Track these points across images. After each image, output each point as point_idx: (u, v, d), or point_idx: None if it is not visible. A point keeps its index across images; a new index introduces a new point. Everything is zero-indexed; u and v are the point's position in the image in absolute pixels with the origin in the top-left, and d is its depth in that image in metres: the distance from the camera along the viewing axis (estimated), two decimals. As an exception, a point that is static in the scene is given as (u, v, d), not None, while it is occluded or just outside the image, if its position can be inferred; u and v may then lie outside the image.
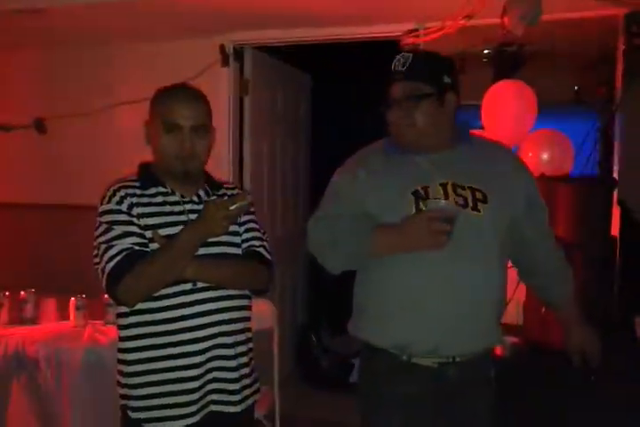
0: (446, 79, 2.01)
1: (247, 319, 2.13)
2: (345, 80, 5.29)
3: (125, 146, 3.92)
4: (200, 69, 3.89)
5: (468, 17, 3.11)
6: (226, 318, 2.01)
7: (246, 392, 2.09)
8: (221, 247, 2.03)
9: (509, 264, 2.19)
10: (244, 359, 2.09)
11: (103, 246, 1.93)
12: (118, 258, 1.89)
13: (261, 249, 2.13)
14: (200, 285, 1.97)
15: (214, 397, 2.03)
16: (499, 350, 2.71)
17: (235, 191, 2.20)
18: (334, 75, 5.30)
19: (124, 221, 1.95)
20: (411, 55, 2.01)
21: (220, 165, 3.97)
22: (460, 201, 1.98)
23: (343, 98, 5.43)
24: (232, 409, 2.04)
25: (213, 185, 2.15)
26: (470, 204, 1.98)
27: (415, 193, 1.97)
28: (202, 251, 1.95)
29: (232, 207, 1.86)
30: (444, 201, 1.94)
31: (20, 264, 4.31)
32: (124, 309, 1.99)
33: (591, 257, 2.89)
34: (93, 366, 2.98)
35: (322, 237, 2.06)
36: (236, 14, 3.50)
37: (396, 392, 2.05)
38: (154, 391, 1.97)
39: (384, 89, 2.07)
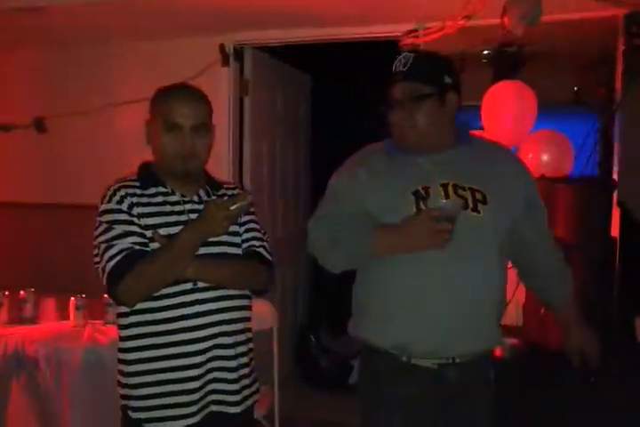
0: (447, 79, 2.01)
1: (247, 320, 2.13)
2: (345, 80, 5.29)
3: (125, 145, 3.93)
4: (200, 69, 3.88)
5: (468, 17, 3.12)
6: (226, 318, 2.01)
7: (246, 393, 2.09)
8: (222, 247, 2.03)
9: (509, 265, 2.19)
10: (244, 360, 2.09)
11: (103, 246, 1.93)
12: (118, 257, 1.89)
13: (261, 249, 2.12)
14: (200, 284, 1.97)
15: (214, 397, 2.02)
16: (498, 352, 2.71)
17: (235, 191, 2.20)
18: (334, 75, 5.29)
19: (124, 220, 1.94)
20: (412, 56, 2.01)
21: (220, 166, 3.97)
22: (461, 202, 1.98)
23: (343, 98, 5.43)
24: (232, 410, 2.04)
25: (214, 185, 2.15)
26: (470, 205, 1.98)
27: (415, 193, 1.97)
28: (202, 250, 1.95)
29: (232, 207, 1.86)
30: (444, 200, 1.94)
31: (19, 264, 4.30)
32: (124, 308, 1.99)
33: (591, 258, 2.89)
34: (93, 366, 2.98)
35: (322, 237, 2.06)
36: (236, 14, 3.50)
37: (397, 393, 2.05)
38: (154, 391, 1.97)
39: (384, 89, 2.07)
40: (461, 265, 1.97)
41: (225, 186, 2.19)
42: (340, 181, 2.12)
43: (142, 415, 1.99)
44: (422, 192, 1.97)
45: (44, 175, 4.46)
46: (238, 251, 2.08)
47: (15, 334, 3.16)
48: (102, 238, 1.94)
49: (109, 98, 4.15)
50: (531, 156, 3.18)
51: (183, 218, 2.00)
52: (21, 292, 3.38)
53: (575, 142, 3.27)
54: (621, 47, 3.26)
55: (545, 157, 3.18)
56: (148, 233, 1.94)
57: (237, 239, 2.09)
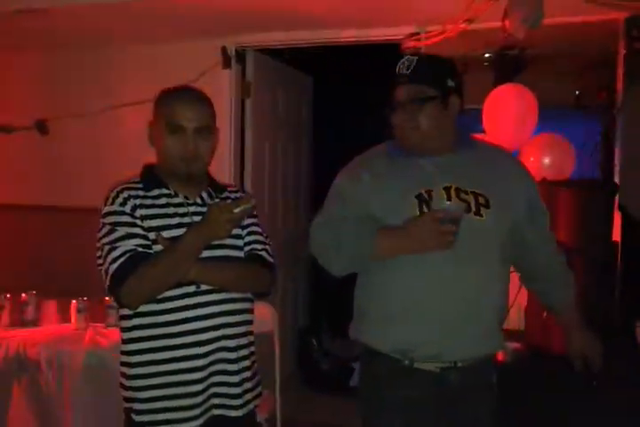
0: (450, 82, 2.02)
1: (249, 323, 2.12)
2: (346, 83, 5.29)
3: (127, 148, 3.93)
4: (202, 72, 3.88)
5: (470, 21, 3.12)
6: (229, 321, 2.01)
7: (248, 396, 2.08)
8: (225, 250, 2.03)
9: (511, 269, 2.19)
10: (247, 363, 2.08)
11: (106, 248, 1.93)
12: (122, 260, 1.89)
13: (264, 253, 2.12)
14: (203, 287, 1.96)
15: (217, 400, 2.02)
16: (500, 356, 2.72)
17: (238, 194, 2.20)
18: (336, 77, 5.30)
19: (127, 222, 1.94)
20: (415, 58, 2.02)
21: (222, 168, 3.97)
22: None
23: (345, 100, 5.44)
24: (234, 413, 2.03)
25: (217, 188, 2.15)
26: (473, 208, 1.98)
27: (419, 197, 1.97)
28: (205, 253, 1.95)
29: (236, 210, 1.86)
30: (448, 202, 1.94)
31: (21, 266, 4.30)
32: (126, 311, 1.99)
33: (592, 261, 2.89)
34: (94, 369, 2.98)
35: (325, 240, 2.06)
36: (237, 16, 3.50)
37: (398, 396, 2.04)
38: (157, 394, 1.96)
39: (386, 92, 2.07)
40: (463, 269, 1.97)
41: (228, 189, 2.19)
42: (344, 182, 2.12)
43: (146, 418, 1.98)
44: (425, 195, 1.97)
45: (45, 177, 4.46)
46: (240, 254, 2.08)
47: (17, 336, 3.16)
48: (105, 240, 1.94)
49: (111, 100, 4.14)
50: (532, 159, 3.18)
51: (186, 220, 2.00)
52: (23, 294, 3.38)
53: (576, 146, 3.27)
54: (622, 50, 3.27)
55: (546, 161, 3.19)
56: (152, 235, 1.94)
57: (240, 242, 2.09)
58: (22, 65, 4.47)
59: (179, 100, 2.01)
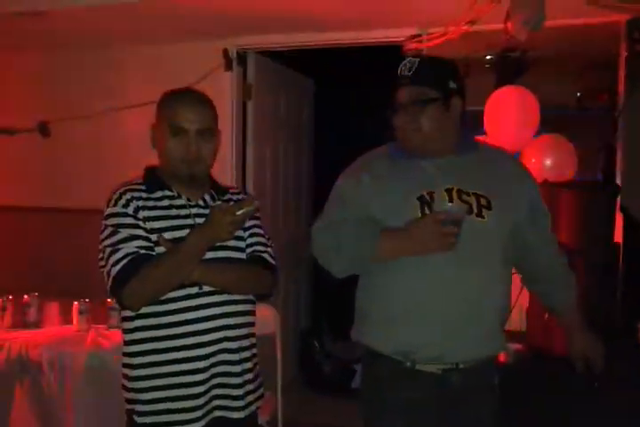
0: (452, 84, 2.02)
1: (251, 325, 2.13)
2: (347, 85, 5.29)
3: (128, 149, 3.94)
4: (203, 73, 3.89)
5: (471, 22, 3.12)
6: (231, 322, 2.01)
7: (250, 398, 2.09)
8: (227, 252, 2.03)
9: (513, 270, 2.19)
10: (249, 365, 2.08)
11: (109, 250, 1.93)
12: (124, 262, 1.89)
13: (266, 254, 2.13)
14: (205, 289, 1.97)
15: (218, 402, 2.02)
16: (502, 357, 2.71)
17: (240, 196, 2.20)
18: (337, 79, 5.30)
19: (129, 224, 1.95)
20: (417, 60, 2.02)
21: (224, 170, 3.96)
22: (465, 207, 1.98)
23: (346, 102, 5.43)
24: (236, 415, 2.04)
25: (219, 190, 2.16)
26: (475, 210, 1.98)
27: (420, 198, 1.97)
28: (208, 255, 1.95)
29: (239, 213, 1.86)
30: (450, 203, 1.95)
31: (23, 268, 4.30)
32: (129, 312, 1.99)
33: (594, 263, 2.89)
34: (96, 371, 2.98)
35: (326, 242, 2.06)
36: (238, 18, 3.50)
37: (400, 397, 2.04)
38: (159, 396, 1.97)
39: (387, 94, 2.07)
40: (465, 270, 1.97)
41: (230, 191, 2.20)
42: (345, 184, 2.12)
43: (148, 420, 1.99)
44: (427, 197, 1.97)
45: (46, 179, 4.46)
46: (242, 255, 2.08)
47: (19, 338, 3.16)
48: (108, 242, 1.94)
49: (112, 102, 4.15)
50: (533, 160, 3.18)
51: (189, 222, 2.01)
52: (25, 296, 3.38)
53: (578, 147, 3.27)
54: (623, 53, 3.27)
55: (548, 162, 3.18)
56: (154, 237, 1.94)
57: (242, 244, 2.09)
58: (23, 66, 4.48)
59: (181, 102, 2.02)
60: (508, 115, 3.20)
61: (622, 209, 3.13)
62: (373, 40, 3.87)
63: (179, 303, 1.95)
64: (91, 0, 3.24)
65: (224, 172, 3.96)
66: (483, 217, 1.98)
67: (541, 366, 2.83)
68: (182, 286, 1.94)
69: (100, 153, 4.30)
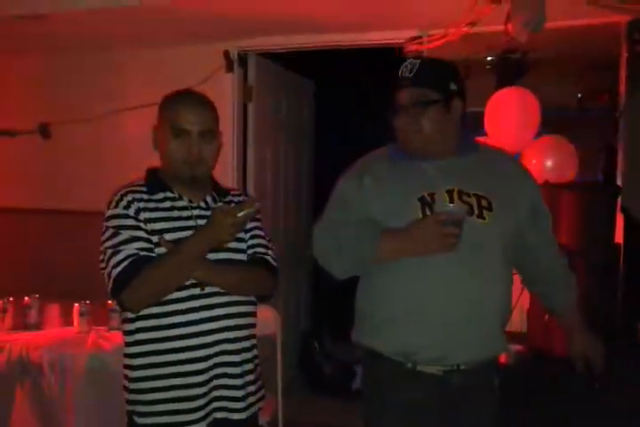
0: (453, 86, 2.02)
1: (253, 326, 2.13)
2: (348, 86, 5.30)
3: (129, 151, 3.94)
4: (203, 75, 3.89)
5: (472, 24, 3.12)
6: (232, 324, 2.01)
7: (251, 399, 2.08)
8: (228, 253, 2.03)
9: (513, 271, 2.19)
10: (250, 366, 2.08)
11: (109, 251, 1.93)
12: (124, 264, 1.89)
13: (267, 256, 2.13)
14: (207, 290, 1.97)
15: (219, 404, 2.02)
16: (503, 358, 2.71)
17: (241, 198, 2.20)
18: (337, 81, 5.31)
19: (130, 225, 1.95)
20: (418, 62, 2.02)
21: (224, 171, 3.96)
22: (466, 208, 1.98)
23: (346, 104, 5.44)
24: (236, 416, 2.03)
25: (220, 191, 2.16)
26: (476, 211, 1.98)
27: (421, 199, 1.98)
28: (210, 256, 1.96)
29: (240, 215, 1.86)
30: (450, 204, 1.95)
31: (23, 270, 4.30)
32: (130, 314, 1.99)
33: (594, 264, 2.89)
34: (97, 372, 2.97)
35: (327, 243, 2.06)
36: (238, 21, 3.51)
37: (400, 398, 2.04)
38: (160, 397, 1.97)
39: (387, 95, 2.07)
40: (466, 271, 1.97)
41: (231, 193, 2.20)
42: (345, 186, 2.12)
43: (149, 421, 1.99)
44: (428, 198, 1.97)
45: (47, 180, 4.47)
46: (243, 257, 2.09)
47: (19, 340, 3.16)
48: (109, 244, 1.94)
49: (112, 105, 4.15)
50: (534, 162, 3.18)
51: (191, 223, 2.01)
52: (25, 298, 3.38)
53: (579, 149, 3.27)
54: (624, 54, 3.27)
55: (548, 163, 3.18)
56: (155, 238, 1.95)
57: (243, 245, 2.10)
58: (23, 69, 4.48)
59: (183, 103, 2.02)
60: (509, 116, 3.20)
61: (623, 210, 3.13)
62: (373, 42, 3.87)
63: (180, 304, 1.95)
64: (91, 3, 3.25)
65: (225, 173, 3.96)
66: (483, 218, 1.98)
67: (542, 367, 2.83)
68: (185, 287, 1.94)
69: (100, 155, 4.31)
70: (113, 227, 1.95)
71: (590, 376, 2.25)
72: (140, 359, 1.98)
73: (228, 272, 2.01)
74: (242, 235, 2.08)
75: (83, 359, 3.00)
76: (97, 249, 1.99)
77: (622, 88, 3.30)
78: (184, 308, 1.95)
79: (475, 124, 3.20)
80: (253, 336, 2.14)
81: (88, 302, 3.29)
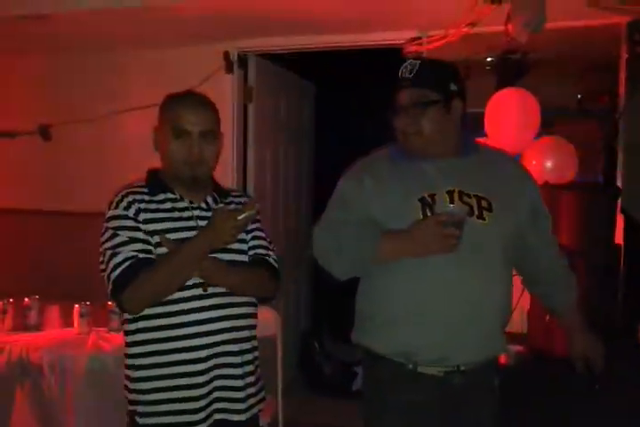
0: (453, 86, 2.03)
1: (253, 327, 2.13)
2: (348, 87, 5.30)
3: (130, 153, 3.94)
4: (204, 76, 3.89)
5: (472, 24, 3.12)
6: (232, 325, 2.01)
7: (252, 401, 2.08)
8: (231, 255, 2.03)
9: (514, 272, 2.19)
10: (250, 367, 2.08)
11: (109, 253, 1.93)
12: (123, 266, 1.89)
13: (269, 258, 2.13)
14: (210, 291, 1.97)
15: (220, 405, 2.02)
16: (503, 359, 2.71)
17: (242, 199, 2.21)
18: (337, 82, 5.31)
19: (129, 226, 1.95)
20: (418, 62, 2.02)
21: (224, 172, 3.96)
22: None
23: (346, 105, 5.44)
24: (237, 417, 2.03)
25: (221, 192, 2.16)
26: (476, 212, 1.98)
27: (422, 200, 1.98)
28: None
29: (240, 217, 1.87)
30: (451, 205, 1.95)
31: (23, 271, 4.30)
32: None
33: (594, 265, 2.89)
34: (97, 374, 2.97)
35: (327, 244, 2.06)
36: (239, 21, 3.50)
37: (401, 400, 2.04)
38: (162, 397, 1.97)
39: (387, 96, 2.08)
40: (466, 271, 1.97)
41: (232, 193, 2.20)
42: (346, 186, 2.12)
43: (150, 421, 1.99)
44: (428, 199, 1.97)
45: (47, 182, 4.46)
46: (245, 258, 2.09)
47: (19, 341, 3.16)
48: (108, 245, 1.94)
49: (114, 106, 4.15)
50: (534, 162, 3.18)
51: (192, 224, 2.01)
52: (26, 299, 3.38)
53: (579, 149, 3.27)
54: (624, 55, 3.27)
55: (549, 164, 3.18)
56: (156, 239, 1.95)
57: (244, 246, 2.10)
58: (26, 69, 4.48)
59: (183, 104, 2.02)
60: (509, 117, 3.20)
61: (623, 211, 3.13)
62: (373, 42, 3.87)
63: (182, 305, 1.95)
64: (94, 4, 3.24)
65: (225, 174, 3.96)
66: (484, 219, 1.99)
67: (542, 367, 2.83)
68: (188, 288, 1.95)
69: (101, 156, 4.30)
70: (112, 228, 1.95)
71: (590, 377, 2.25)
72: (141, 359, 1.98)
73: (230, 273, 2.00)
74: (243, 235, 2.08)
75: (83, 361, 2.99)
76: (97, 250, 1.99)
77: (622, 89, 3.30)
78: (187, 308, 1.95)
79: (475, 124, 3.20)
80: (254, 338, 2.13)
81: (88, 303, 3.29)
